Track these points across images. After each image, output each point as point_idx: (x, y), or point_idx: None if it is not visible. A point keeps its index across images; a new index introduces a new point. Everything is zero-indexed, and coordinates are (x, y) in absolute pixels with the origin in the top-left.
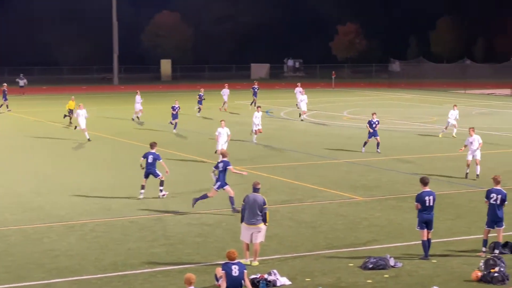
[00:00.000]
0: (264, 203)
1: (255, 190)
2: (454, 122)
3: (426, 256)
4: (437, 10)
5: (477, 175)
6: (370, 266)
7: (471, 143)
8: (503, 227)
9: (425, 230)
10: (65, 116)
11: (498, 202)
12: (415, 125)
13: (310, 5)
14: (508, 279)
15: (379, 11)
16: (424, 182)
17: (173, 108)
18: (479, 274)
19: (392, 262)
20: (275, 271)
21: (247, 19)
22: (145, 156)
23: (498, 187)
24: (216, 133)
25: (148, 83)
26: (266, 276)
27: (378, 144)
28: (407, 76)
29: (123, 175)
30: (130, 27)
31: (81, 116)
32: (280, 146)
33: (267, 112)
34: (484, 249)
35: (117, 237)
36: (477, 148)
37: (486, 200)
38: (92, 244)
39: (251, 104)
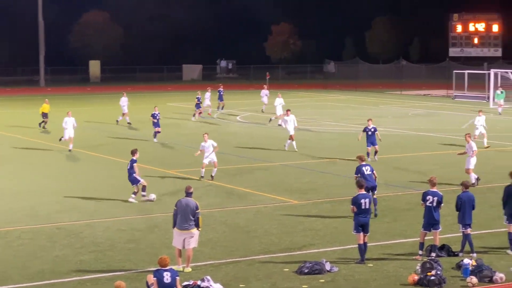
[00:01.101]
0: (197, 208)
1: (188, 194)
2: (484, 131)
3: (362, 260)
4: (373, 10)
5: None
6: (306, 270)
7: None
8: (440, 229)
9: (361, 233)
10: (41, 123)
11: (435, 204)
12: (351, 127)
13: (243, 5)
14: (445, 282)
15: (313, 11)
16: (360, 185)
17: (153, 115)
18: (416, 277)
19: (328, 266)
20: (208, 277)
21: (179, 19)
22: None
23: (434, 189)
24: (200, 148)
25: (76, 85)
26: (199, 282)
27: (376, 152)
28: (342, 77)
29: (49, 180)
30: (57, 27)
31: (70, 124)
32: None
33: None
34: (420, 252)
35: (44, 244)
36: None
37: (422, 202)
38: (18, 252)
39: (218, 109)
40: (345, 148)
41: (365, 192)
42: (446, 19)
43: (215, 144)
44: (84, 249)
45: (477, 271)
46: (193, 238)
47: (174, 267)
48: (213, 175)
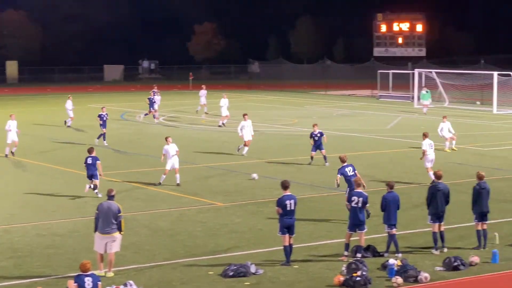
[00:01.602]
0: (119, 211)
1: (110, 197)
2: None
3: (287, 262)
4: (297, 10)
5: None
6: (231, 273)
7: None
8: (365, 230)
9: (287, 235)
10: None
11: (360, 205)
12: (276, 128)
13: (165, 4)
14: (370, 283)
15: (237, 10)
16: (284, 186)
17: (100, 116)
18: (342, 278)
19: (253, 269)
20: (131, 282)
21: (99, 19)
22: (86, 161)
23: (359, 190)
24: (164, 152)
25: None
26: (121, 287)
27: (325, 158)
28: (267, 77)
29: None
30: None
31: (13, 127)
32: (135, 151)
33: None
34: (346, 253)
35: None
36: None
37: (347, 203)
38: None
39: (149, 112)
40: (269, 149)
41: (290, 193)
42: (370, 19)
43: (177, 149)
44: (1, 255)
45: (402, 271)
46: (115, 242)
47: (96, 272)
48: (178, 182)
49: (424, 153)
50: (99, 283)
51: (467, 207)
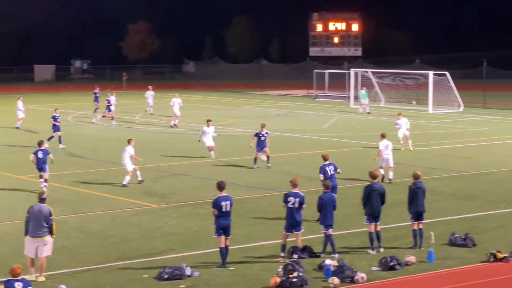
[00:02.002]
0: (50, 214)
1: (41, 200)
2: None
3: (223, 263)
4: (232, 9)
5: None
6: (166, 276)
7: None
8: (302, 231)
9: (223, 236)
10: None
11: (296, 205)
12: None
13: (98, 3)
14: (307, 284)
15: (172, 9)
16: (220, 187)
17: (54, 118)
18: (278, 280)
19: (188, 271)
20: (63, 286)
21: (29, 17)
22: (35, 153)
23: (296, 190)
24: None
25: None
26: None
27: (268, 158)
28: (202, 77)
29: None
30: None
31: None
32: (68, 152)
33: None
34: (282, 254)
35: None
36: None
37: (284, 204)
38: None
39: (94, 111)
40: (205, 150)
41: (226, 194)
42: (306, 18)
43: (132, 152)
44: None
45: (339, 271)
46: (46, 246)
47: (27, 277)
48: (140, 179)
49: (379, 153)
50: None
51: (403, 206)
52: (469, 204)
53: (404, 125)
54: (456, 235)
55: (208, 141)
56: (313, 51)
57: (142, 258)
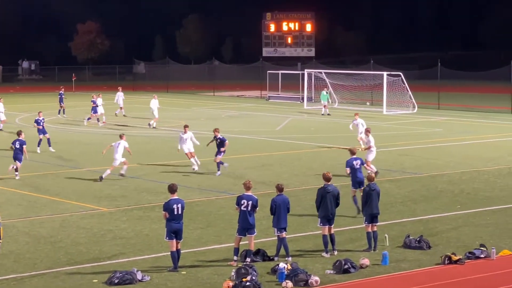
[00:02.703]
0: None
1: None
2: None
3: (175, 267)
4: (184, 9)
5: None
6: (116, 281)
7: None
8: (255, 234)
9: (174, 240)
10: None
11: (249, 208)
12: (163, 130)
13: (46, 1)
14: None
15: (122, 9)
16: (171, 189)
17: (37, 122)
18: (231, 284)
19: (139, 276)
20: None
21: None
22: (13, 143)
23: (249, 193)
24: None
25: None
26: None
27: (220, 164)
28: (153, 78)
29: None
30: None
31: None
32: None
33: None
34: (235, 257)
35: None
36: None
37: (236, 206)
38: None
39: (59, 113)
40: (156, 152)
41: (177, 197)
42: (259, 18)
43: (127, 145)
44: None
45: (293, 275)
46: None
47: None
48: (123, 172)
49: (369, 148)
50: None
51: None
52: (424, 206)
53: (361, 126)
54: (410, 238)
55: (187, 147)
56: (266, 51)
57: (91, 263)
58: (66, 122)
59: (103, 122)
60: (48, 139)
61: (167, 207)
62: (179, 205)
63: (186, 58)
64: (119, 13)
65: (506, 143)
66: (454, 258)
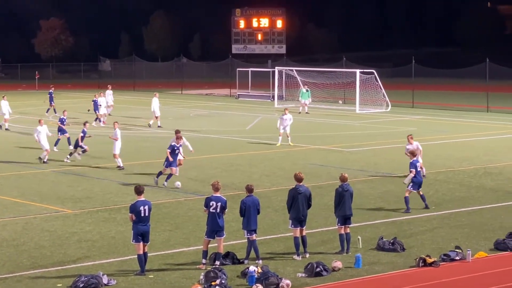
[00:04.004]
0: None
1: None
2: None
3: (142, 271)
4: (150, 5)
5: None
6: (81, 285)
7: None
8: (224, 236)
9: (141, 243)
10: None
11: (218, 210)
12: (130, 130)
13: None
14: None
15: (86, 5)
16: (138, 191)
17: (61, 120)
18: (199, 287)
19: (105, 279)
20: None
21: None
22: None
23: (218, 194)
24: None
25: None
26: None
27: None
28: (119, 75)
29: None
30: None
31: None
32: None
33: None
34: (204, 260)
35: None
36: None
37: (205, 208)
38: None
39: (47, 112)
40: (123, 152)
41: (144, 199)
42: (228, 15)
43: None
44: None
45: (263, 278)
46: None
47: None
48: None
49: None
50: None
51: (329, 210)
52: (398, 207)
53: (288, 121)
54: (384, 240)
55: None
56: (236, 48)
57: (55, 267)
58: (28, 122)
59: (103, 122)
60: (68, 138)
61: (134, 209)
62: (146, 207)
63: (153, 56)
64: (84, 9)
65: (481, 142)
66: (429, 260)
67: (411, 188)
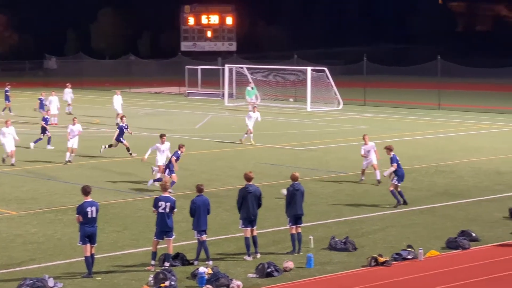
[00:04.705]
0: None
1: None
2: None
3: (89, 273)
4: (98, 1)
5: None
6: None
7: (368, 151)
8: (173, 237)
9: (88, 244)
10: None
11: (167, 210)
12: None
13: None
14: None
15: (31, 1)
16: (85, 191)
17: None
18: None
19: (51, 283)
20: None
21: None
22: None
23: (166, 194)
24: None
25: None
26: None
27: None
28: (65, 73)
29: None
30: None
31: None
32: None
33: None
34: (153, 262)
35: None
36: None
37: (154, 209)
38: None
39: (3, 111)
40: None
41: (92, 200)
42: (177, 11)
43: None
44: None
45: (213, 279)
46: None
47: None
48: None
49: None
50: None
51: (281, 210)
52: (350, 206)
53: (254, 120)
54: (336, 239)
55: (162, 160)
56: (185, 45)
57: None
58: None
59: (53, 124)
60: (49, 138)
61: (81, 210)
62: (93, 208)
63: (101, 53)
64: (28, 5)
65: (433, 140)
66: (381, 259)
67: (396, 182)
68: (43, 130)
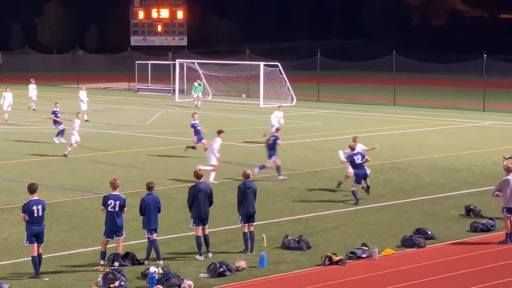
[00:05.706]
0: None
1: None
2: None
3: (37, 274)
4: None
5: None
6: None
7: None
8: (123, 236)
9: (35, 244)
10: None
11: (117, 209)
12: (24, 126)
13: None
14: None
15: None
16: (31, 189)
17: (54, 113)
18: None
19: None
20: None
21: None
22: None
23: (116, 192)
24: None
25: None
26: None
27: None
28: (11, 69)
29: None
30: None
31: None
32: None
33: None
34: (102, 262)
35: None
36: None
37: (103, 207)
38: None
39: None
40: (15, 149)
41: (38, 198)
42: (126, 5)
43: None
44: None
45: (164, 279)
46: None
47: None
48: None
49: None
50: None
51: (233, 208)
52: (304, 204)
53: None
54: (289, 238)
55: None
56: (135, 40)
57: None
58: None
59: (5, 120)
60: (63, 130)
61: (27, 208)
62: (40, 206)
63: (48, 47)
64: None
65: (388, 137)
66: (335, 258)
67: (355, 183)
68: (55, 123)
